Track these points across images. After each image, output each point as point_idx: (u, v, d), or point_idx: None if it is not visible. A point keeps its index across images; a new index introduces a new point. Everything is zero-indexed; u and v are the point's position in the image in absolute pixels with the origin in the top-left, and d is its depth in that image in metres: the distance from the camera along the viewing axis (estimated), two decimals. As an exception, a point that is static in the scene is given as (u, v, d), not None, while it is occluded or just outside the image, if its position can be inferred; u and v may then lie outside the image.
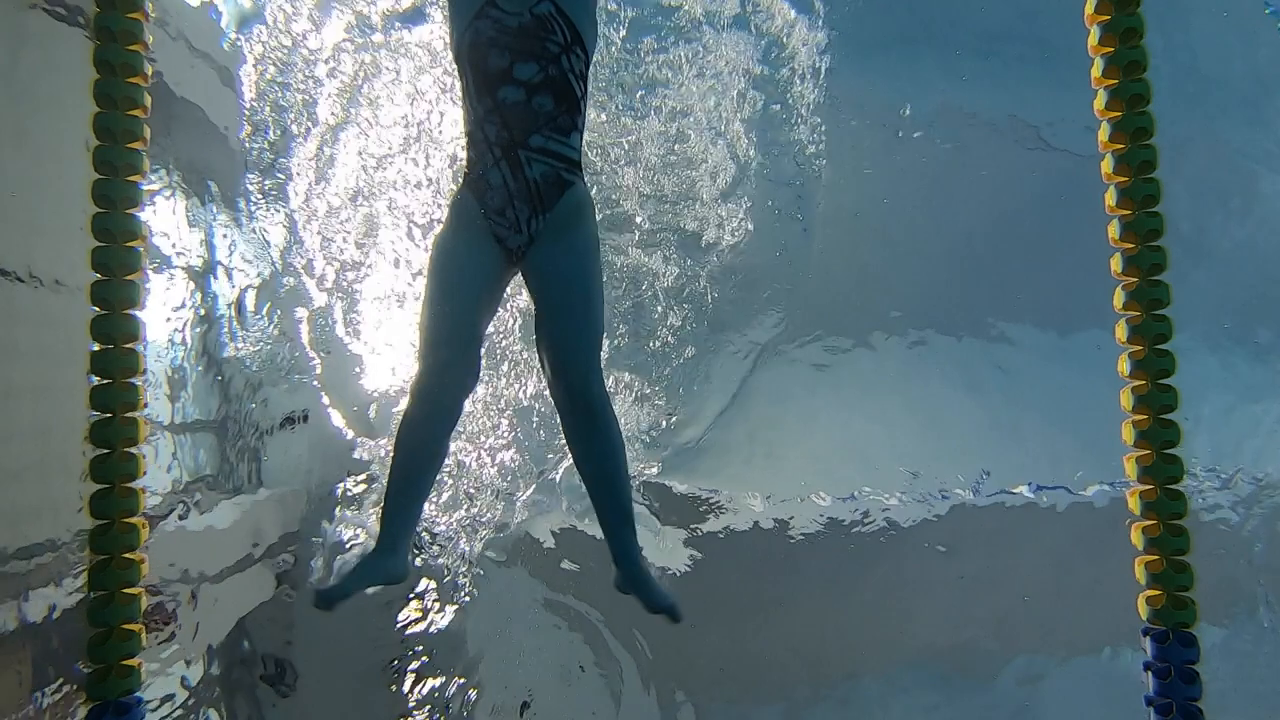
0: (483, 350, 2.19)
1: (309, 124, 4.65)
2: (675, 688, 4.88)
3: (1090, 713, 4.75)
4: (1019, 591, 5.00)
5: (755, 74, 5.08)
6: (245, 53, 4.37)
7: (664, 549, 5.00)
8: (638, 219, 5.08)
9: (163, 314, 3.66)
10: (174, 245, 3.73)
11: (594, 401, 2.08)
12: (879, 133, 5.19)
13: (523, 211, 2.09)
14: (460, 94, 2.16)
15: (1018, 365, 5.18)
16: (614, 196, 5.07)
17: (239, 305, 4.26)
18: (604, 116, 5.01)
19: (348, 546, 4.50)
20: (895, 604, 5.01)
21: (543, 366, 2.15)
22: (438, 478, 2.24)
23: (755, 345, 5.24)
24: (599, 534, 2.15)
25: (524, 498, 5.01)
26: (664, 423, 5.13)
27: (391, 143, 4.82)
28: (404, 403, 2.13)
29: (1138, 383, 2.12)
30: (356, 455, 4.71)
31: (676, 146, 5.08)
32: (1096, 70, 2.15)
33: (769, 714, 4.88)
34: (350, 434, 4.74)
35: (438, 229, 2.23)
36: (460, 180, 2.20)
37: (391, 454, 2.14)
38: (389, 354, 4.92)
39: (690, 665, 4.90)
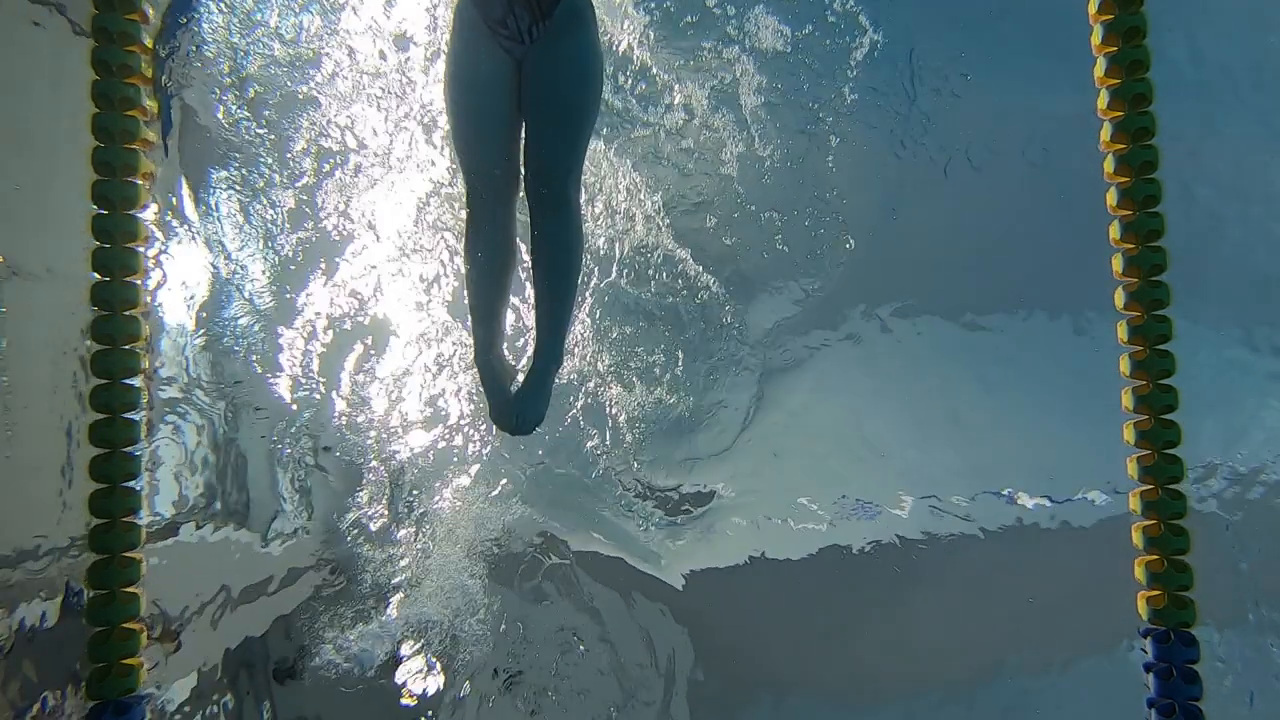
0: (520, 150, 2.22)
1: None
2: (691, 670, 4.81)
3: (1092, 714, 4.72)
4: (1028, 595, 4.92)
5: (777, 51, 4.80)
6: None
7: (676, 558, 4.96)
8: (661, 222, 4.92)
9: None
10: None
11: (569, 203, 2.16)
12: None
13: (523, 20, 2.09)
14: None
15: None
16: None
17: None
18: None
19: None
20: (915, 613, 4.95)
21: (525, 164, 2.19)
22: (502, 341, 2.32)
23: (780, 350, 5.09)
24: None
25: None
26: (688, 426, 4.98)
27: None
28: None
29: (1139, 383, 2.12)
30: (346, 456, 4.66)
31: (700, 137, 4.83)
32: (1099, 70, 2.14)
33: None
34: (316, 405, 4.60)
35: (446, 42, 2.25)
36: None
37: (464, 269, 2.24)
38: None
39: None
